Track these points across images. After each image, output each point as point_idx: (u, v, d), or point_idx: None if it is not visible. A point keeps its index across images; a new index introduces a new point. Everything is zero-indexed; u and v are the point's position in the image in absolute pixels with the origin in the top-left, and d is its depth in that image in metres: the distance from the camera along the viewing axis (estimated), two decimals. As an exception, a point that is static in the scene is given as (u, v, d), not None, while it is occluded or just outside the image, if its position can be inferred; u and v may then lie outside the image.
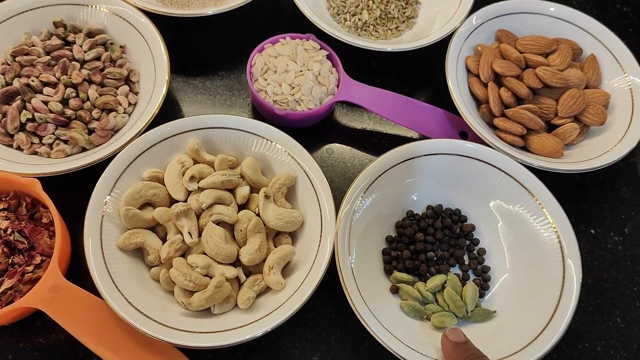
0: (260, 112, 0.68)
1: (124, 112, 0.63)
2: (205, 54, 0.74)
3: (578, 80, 0.64)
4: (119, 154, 0.57)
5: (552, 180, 0.60)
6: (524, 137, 0.63)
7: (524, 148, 0.64)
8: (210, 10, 0.68)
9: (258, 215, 0.56)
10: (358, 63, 0.72)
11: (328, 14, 0.74)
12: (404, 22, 0.74)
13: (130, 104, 0.64)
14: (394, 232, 0.61)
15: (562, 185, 0.64)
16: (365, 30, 0.73)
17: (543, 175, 0.58)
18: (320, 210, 0.56)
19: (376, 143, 0.69)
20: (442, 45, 0.67)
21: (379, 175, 0.58)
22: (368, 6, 0.72)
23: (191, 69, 0.72)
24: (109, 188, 0.55)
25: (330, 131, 0.69)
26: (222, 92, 0.71)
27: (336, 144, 0.68)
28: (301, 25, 0.70)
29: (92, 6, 0.68)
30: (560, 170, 0.59)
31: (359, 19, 0.72)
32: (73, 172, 0.57)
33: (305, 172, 0.58)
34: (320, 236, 0.55)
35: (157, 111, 0.60)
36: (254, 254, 0.54)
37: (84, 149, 0.61)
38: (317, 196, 0.56)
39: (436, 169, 0.60)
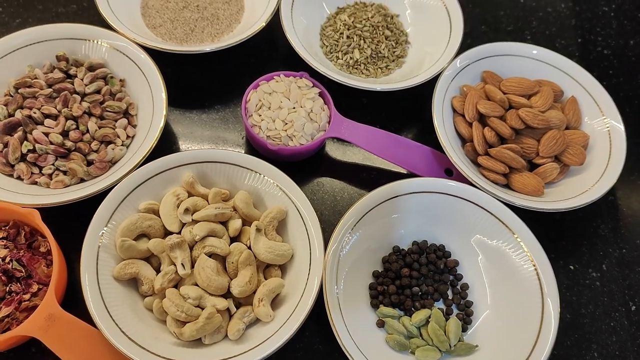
0: (254, 146, 0.70)
1: (122, 145, 0.65)
2: (202, 89, 0.76)
3: (559, 122, 0.67)
4: (116, 187, 0.58)
5: (533, 217, 0.62)
6: (507, 175, 0.66)
7: (507, 186, 0.66)
8: (207, 47, 0.70)
9: (249, 247, 0.58)
10: (349, 100, 0.74)
11: (321, 52, 0.77)
12: (393, 61, 0.77)
13: (128, 136, 0.66)
14: (380, 267, 0.62)
15: (542, 222, 0.66)
16: (356, 68, 0.75)
17: (524, 212, 0.61)
18: (310, 244, 0.57)
19: (365, 177, 0.71)
20: (429, 85, 0.70)
21: (366, 213, 0.60)
22: (359, 45, 0.75)
23: (188, 102, 0.74)
24: (105, 219, 0.57)
25: (321, 165, 0.71)
26: (217, 125, 0.73)
27: (327, 178, 0.70)
28: (295, 63, 0.73)
29: (93, 41, 0.70)
30: (541, 209, 0.62)
31: (351, 58, 0.75)
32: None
33: (295, 206, 0.60)
34: (309, 269, 0.56)
35: (154, 144, 0.62)
36: (245, 286, 0.55)
37: (82, 180, 0.63)
38: (306, 230, 0.58)
39: (421, 206, 0.62)
